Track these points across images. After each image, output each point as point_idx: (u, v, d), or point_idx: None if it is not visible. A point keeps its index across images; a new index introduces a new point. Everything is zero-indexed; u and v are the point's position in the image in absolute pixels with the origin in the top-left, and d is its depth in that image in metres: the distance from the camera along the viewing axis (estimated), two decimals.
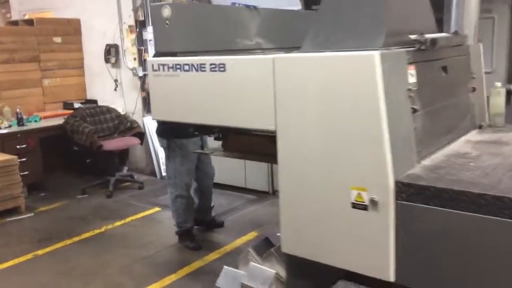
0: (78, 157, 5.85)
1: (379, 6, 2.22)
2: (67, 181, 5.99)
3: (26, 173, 5.18)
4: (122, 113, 6.12)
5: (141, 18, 5.89)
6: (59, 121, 5.85)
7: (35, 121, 5.82)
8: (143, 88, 6.07)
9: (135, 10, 5.87)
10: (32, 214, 4.91)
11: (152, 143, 6.07)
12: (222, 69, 2.37)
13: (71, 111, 6.25)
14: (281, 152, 2.23)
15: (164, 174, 6.03)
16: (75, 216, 4.81)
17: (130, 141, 5.59)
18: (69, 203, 5.25)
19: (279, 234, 4.11)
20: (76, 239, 4.21)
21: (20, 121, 5.53)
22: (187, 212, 3.96)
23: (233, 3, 3.05)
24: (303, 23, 3.59)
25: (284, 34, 3.38)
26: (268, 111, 2.23)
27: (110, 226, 4.48)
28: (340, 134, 2.02)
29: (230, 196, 5.16)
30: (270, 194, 5.14)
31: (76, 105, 6.42)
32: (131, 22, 5.96)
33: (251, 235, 4.12)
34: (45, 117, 6.04)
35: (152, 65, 2.68)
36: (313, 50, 2.27)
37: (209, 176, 4.25)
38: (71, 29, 6.54)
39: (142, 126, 5.98)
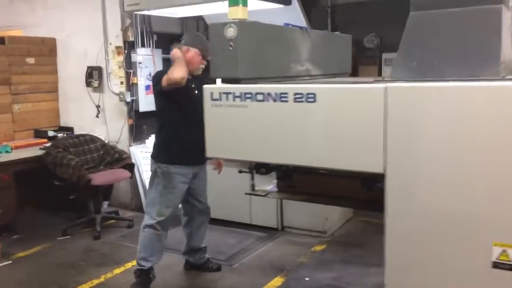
0: (56, 193, 5.18)
1: (495, 33, 1.95)
2: (41, 220, 5.29)
3: None
4: (105, 142, 5.54)
5: (131, 39, 5.40)
6: (33, 151, 5.21)
7: (7, 151, 5.12)
8: (131, 115, 5.54)
9: (125, 30, 5.37)
10: (10, 261, 4.21)
11: (140, 175, 5.52)
12: (311, 99, 2.00)
13: (44, 140, 5.63)
14: (391, 199, 1.87)
15: None
16: (63, 262, 4.17)
17: (120, 174, 5.02)
18: (50, 246, 4.58)
19: (307, 279, 3.74)
20: None
21: None
22: (152, 248, 3.49)
23: (287, 24, 2.70)
24: (339, 47, 3.32)
25: (327, 59, 3.08)
26: (374, 150, 1.88)
27: (109, 275, 3.89)
28: (481, 178, 1.70)
29: (236, 233, 4.71)
30: (279, 230, 4.74)
31: (51, 133, 5.78)
32: (119, 43, 5.45)
33: (277, 280, 3.69)
34: (16, 147, 5.34)
35: (211, 94, 2.26)
36: (411, 77, 1.98)
37: (203, 213, 3.79)
38: (45, 49, 5.92)
39: None
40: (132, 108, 5.53)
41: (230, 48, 2.22)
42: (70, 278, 3.84)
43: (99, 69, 5.64)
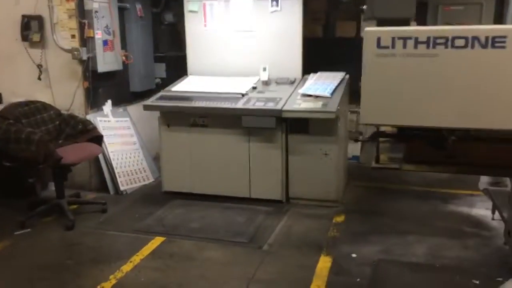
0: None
1: None
2: None
3: None
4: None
5: None
6: None
7: None
8: (86, 76, 4.54)
9: None
10: None
11: (103, 148, 4.59)
12: None
13: None
14: None
15: (122, 188, 4.65)
16: (47, 264, 3.25)
17: (91, 149, 4.07)
18: (13, 244, 3.59)
19: (354, 255, 3.39)
20: None
21: None
22: None
23: None
24: None
25: None
26: None
27: (118, 274, 3.12)
28: None
29: (240, 210, 4.15)
30: (284, 203, 4.29)
31: None
32: None
33: (325, 260, 3.27)
34: None
35: (378, 39, 1.70)
36: None
37: None
38: None
39: None
40: (88, 68, 4.53)
41: None
42: (69, 283, 3.01)
43: (39, 19, 4.50)
